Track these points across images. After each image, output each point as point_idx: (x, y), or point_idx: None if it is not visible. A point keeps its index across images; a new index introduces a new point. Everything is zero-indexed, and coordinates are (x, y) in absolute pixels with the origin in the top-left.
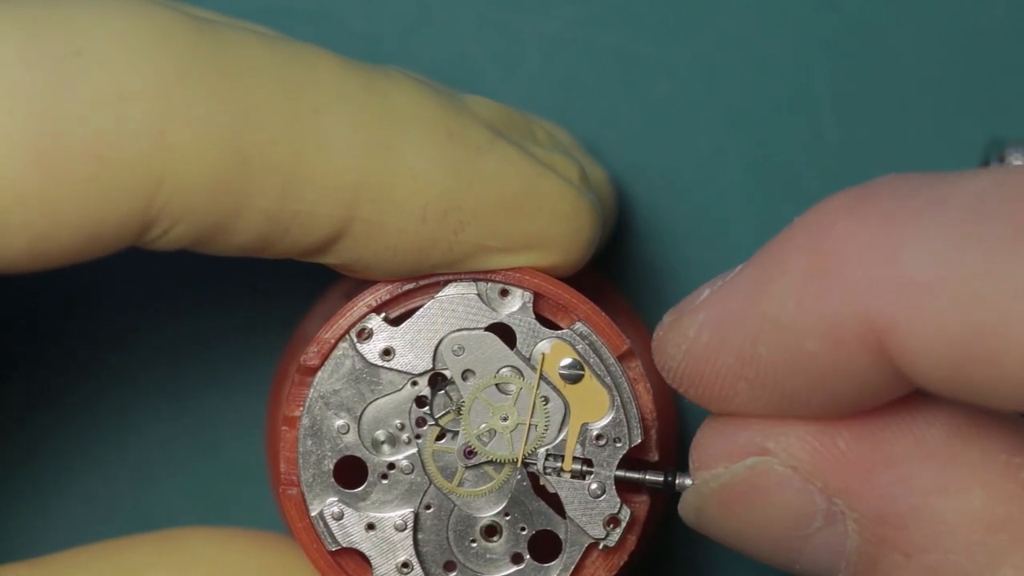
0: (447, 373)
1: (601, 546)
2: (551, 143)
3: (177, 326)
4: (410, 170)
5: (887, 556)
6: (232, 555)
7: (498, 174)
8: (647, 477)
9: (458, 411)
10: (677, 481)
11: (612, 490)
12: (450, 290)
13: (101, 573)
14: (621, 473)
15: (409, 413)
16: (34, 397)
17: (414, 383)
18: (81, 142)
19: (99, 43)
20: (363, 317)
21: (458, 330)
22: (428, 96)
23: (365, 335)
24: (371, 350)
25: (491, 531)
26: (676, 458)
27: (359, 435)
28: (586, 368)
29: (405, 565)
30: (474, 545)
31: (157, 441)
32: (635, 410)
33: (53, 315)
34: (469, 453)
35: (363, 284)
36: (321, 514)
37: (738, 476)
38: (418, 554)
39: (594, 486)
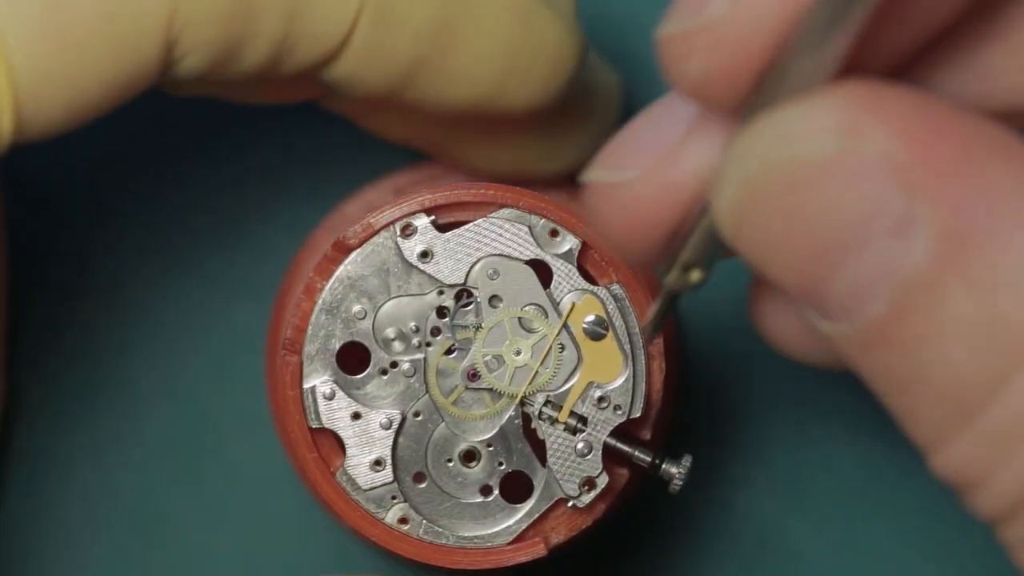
0: (475, 293)
1: (570, 504)
2: None
3: (176, 325)
4: None
5: (948, 286)
6: None
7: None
8: (636, 453)
9: (475, 332)
10: (664, 466)
11: (598, 454)
12: (505, 213)
13: None
14: (612, 441)
15: (427, 319)
16: (33, 397)
17: (440, 292)
18: (86, 2)
19: None
20: (413, 213)
21: (499, 255)
22: None
23: (409, 231)
24: (410, 248)
25: (470, 456)
26: (664, 445)
27: (373, 325)
28: (610, 329)
29: (378, 463)
30: (450, 464)
31: (157, 441)
32: (644, 384)
33: (51, 314)
34: (473, 375)
35: (415, 183)
36: (313, 389)
37: (822, 153)
38: (393, 456)
39: (581, 445)
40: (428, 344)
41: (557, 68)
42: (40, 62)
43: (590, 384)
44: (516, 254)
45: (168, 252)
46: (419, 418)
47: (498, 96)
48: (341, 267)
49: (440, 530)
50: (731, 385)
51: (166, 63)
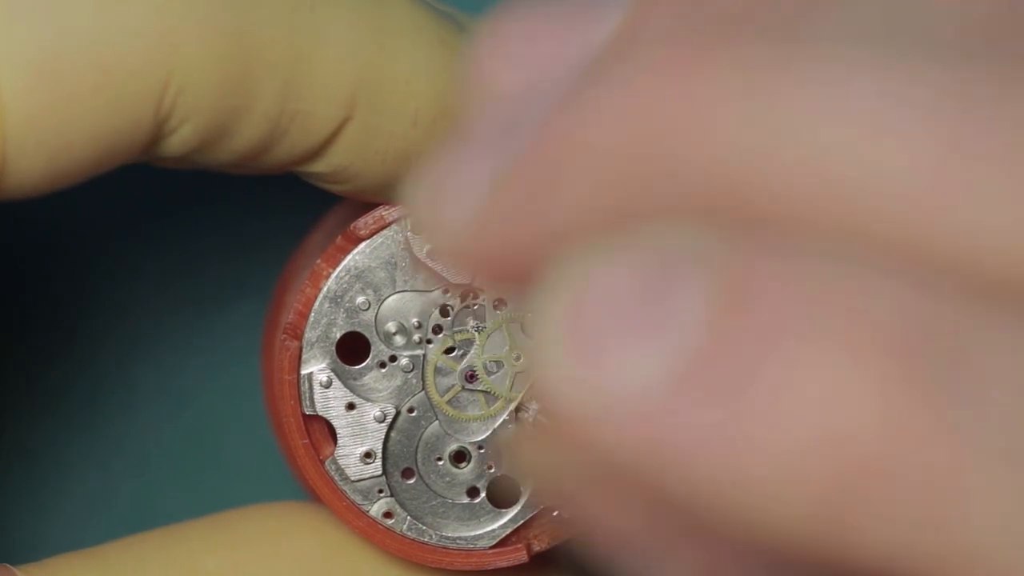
0: (481, 294)
1: (555, 513)
2: None
3: (176, 325)
4: (404, 73)
5: None
6: (283, 530)
7: None
8: None
9: (477, 334)
10: None
11: None
12: None
13: (158, 561)
14: None
15: (430, 316)
16: (33, 397)
17: (446, 291)
18: (83, 54)
19: None
20: None
21: None
22: (420, 2)
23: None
24: (420, 243)
25: (460, 457)
26: None
27: (375, 318)
28: None
29: (368, 455)
30: (440, 463)
31: (157, 441)
32: None
33: (52, 314)
34: (471, 376)
35: None
36: (311, 376)
37: None
38: (384, 450)
39: None
40: (429, 341)
41: None
42: (31, 108)
43: None
44: None
45: (168, 252)
46: (413, 414)
47: None
48: (349, 257)
49: (424, 528)
50: None
51: (158, 129)
